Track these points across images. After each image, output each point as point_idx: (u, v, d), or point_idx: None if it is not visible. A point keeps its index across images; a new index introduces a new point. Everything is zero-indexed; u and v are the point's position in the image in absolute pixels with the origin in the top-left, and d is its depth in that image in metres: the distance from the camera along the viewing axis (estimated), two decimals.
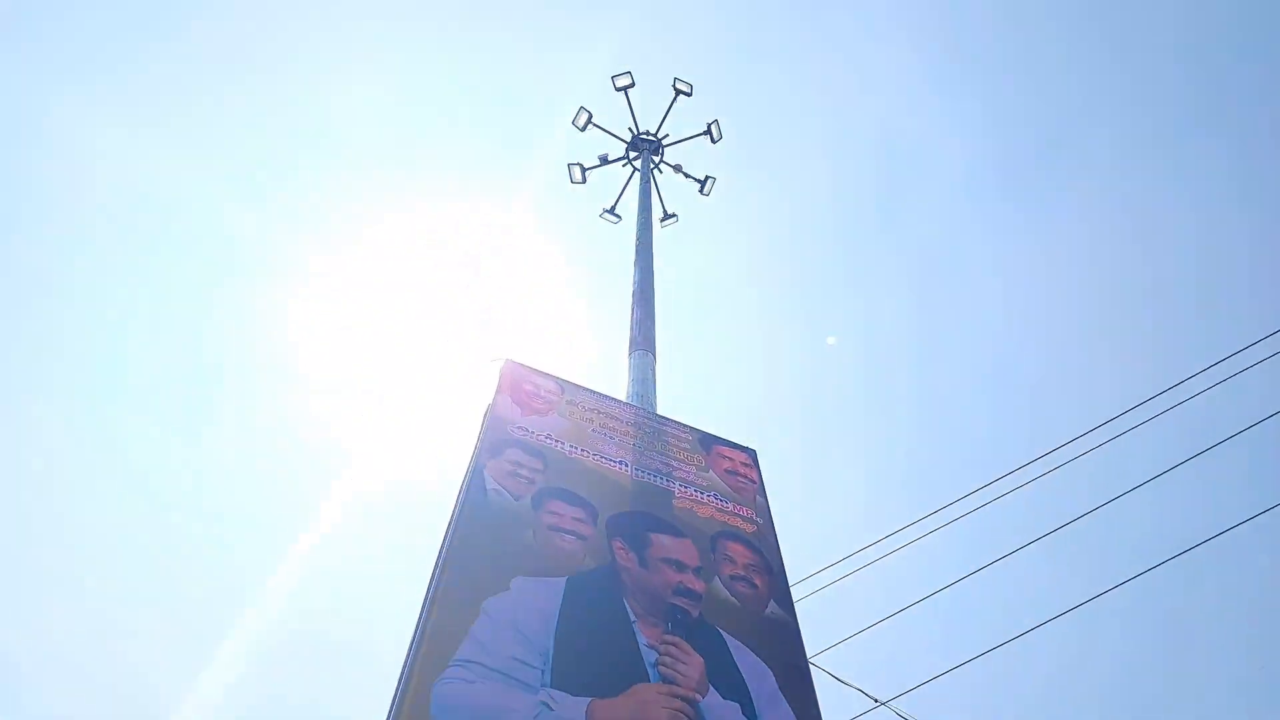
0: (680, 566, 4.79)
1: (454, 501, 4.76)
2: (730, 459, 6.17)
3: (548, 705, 3.58)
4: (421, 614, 3.94)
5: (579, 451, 5.41)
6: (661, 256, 10.38)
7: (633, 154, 12.55)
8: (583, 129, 12.22)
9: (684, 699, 3.89)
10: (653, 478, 5.51)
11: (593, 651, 3.99)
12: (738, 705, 3.99)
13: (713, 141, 12.91)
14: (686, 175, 13.14)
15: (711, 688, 4.03)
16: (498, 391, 5.58)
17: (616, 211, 12.90)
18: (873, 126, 26.84)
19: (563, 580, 4.31)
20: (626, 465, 5.51)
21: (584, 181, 12.48)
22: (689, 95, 12.54)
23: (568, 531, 4.72)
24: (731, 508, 5.59)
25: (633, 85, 12.09)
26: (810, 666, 4.65)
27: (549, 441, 5.35)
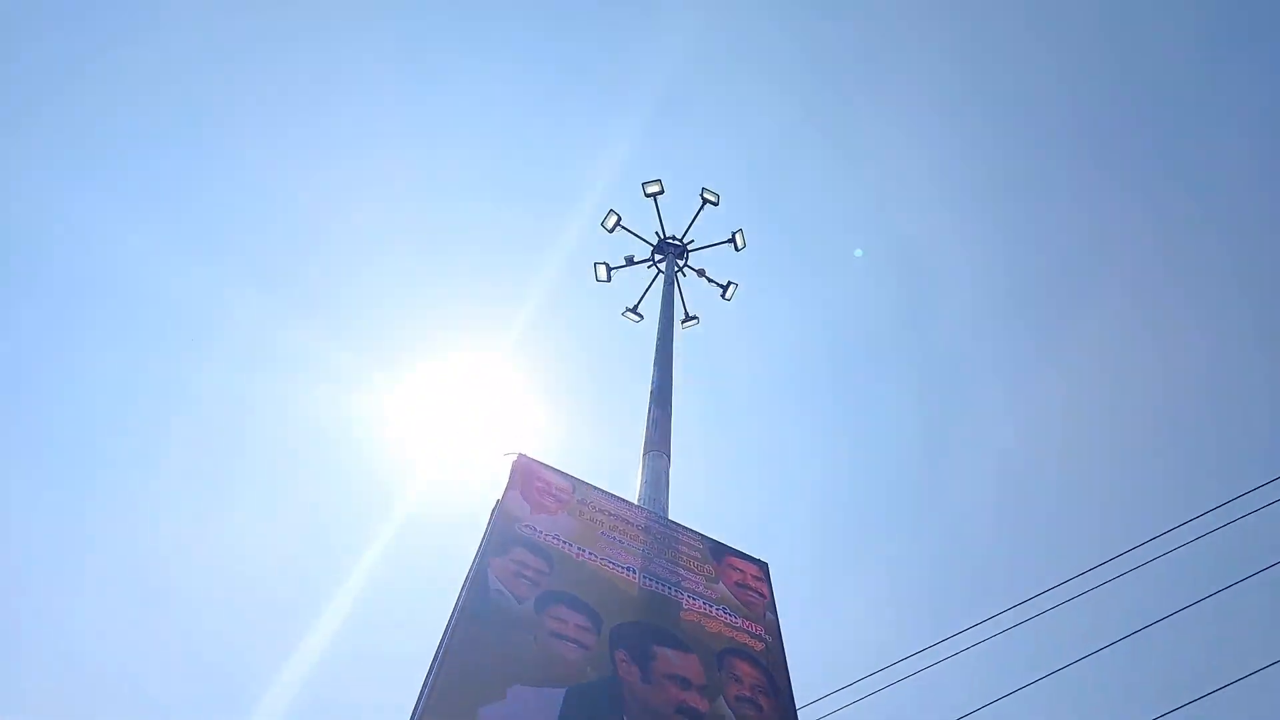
0: (684, 683, 4.64)
1: (454, 599, 4.67)
2: (741, 571, 6.05)
3: None
4: (413, 716, 3.81)
5: (587, 555, 5.32)
6: (681, 358, 10.47)
7: (658, 256, 12.79)
8: (611, 230, 12.52)
9: None
10: (661, 587, 5.39)
11: None
12: None
13: (736, 250, 13.16)
14: (710, 280, 13.34)
15: None
16: (508, 487, 5.54)
17: (639, 311, 13.07)
18: (894, 243, 27.31)
19: (562, 691, 4.17)
20: (635, 572, 5.40)
21: (609, 280, 12.70)
22: (715, 205, 12.86)
23: (570, 639, 4.60)
24: (741, 623, 5.44)
25: (662, 193, 12.43)
26: None
27: (556, 542, 5.27)
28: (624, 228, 12.55)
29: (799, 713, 5.10)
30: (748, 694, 4.82)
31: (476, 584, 4.67)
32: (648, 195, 12.28)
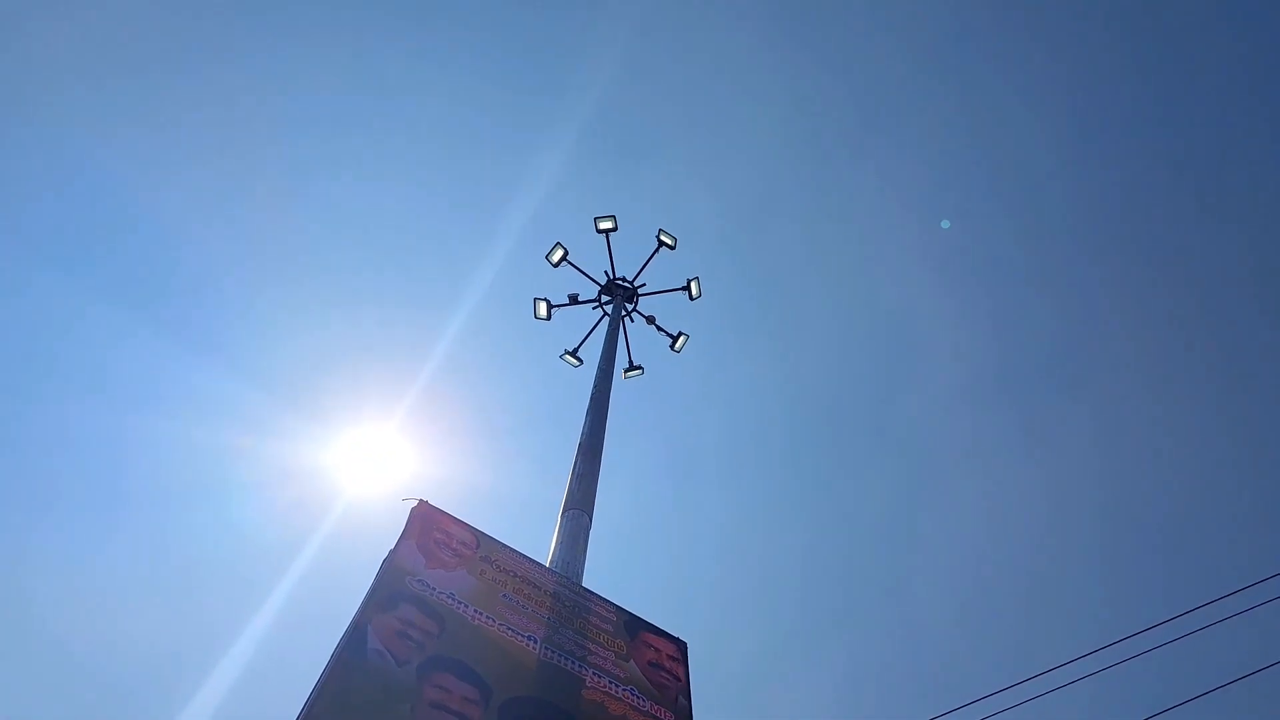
0: None
1: (326, 659, 4.33)
2: (657, 649, 5.79)
3: None
4: None
5: (484, 618, 5.02)
6: (620, 411, 10.25)
7: (605, 298, 12.64)
8: (556, 265, 12.35)
9: None
10: (563, 660, 5.11)
11: None
12: None
13: (690, 299, 13.09)
14: (659, 328, 13.23)
15: None
16: (403, 536, 5.23)
17: (579, 355, 12.87)
18: (874, 312, 27.51)
19: None
20: (536, 642, 5.11)
21: (549, 318, 12.49)
22: (672, 248, 12.80)
23: (453, 712, 4.30)
24: (649, 707, 5.17)
25: (615, 229, 12.33)
26: None
27: (451, 602, 4.97)
28: (570, 263, 12.40)
29: None
30: None
31: (353, 643, 4.34)
32: (600, 231, 12.17)
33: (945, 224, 25.42)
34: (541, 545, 7.00)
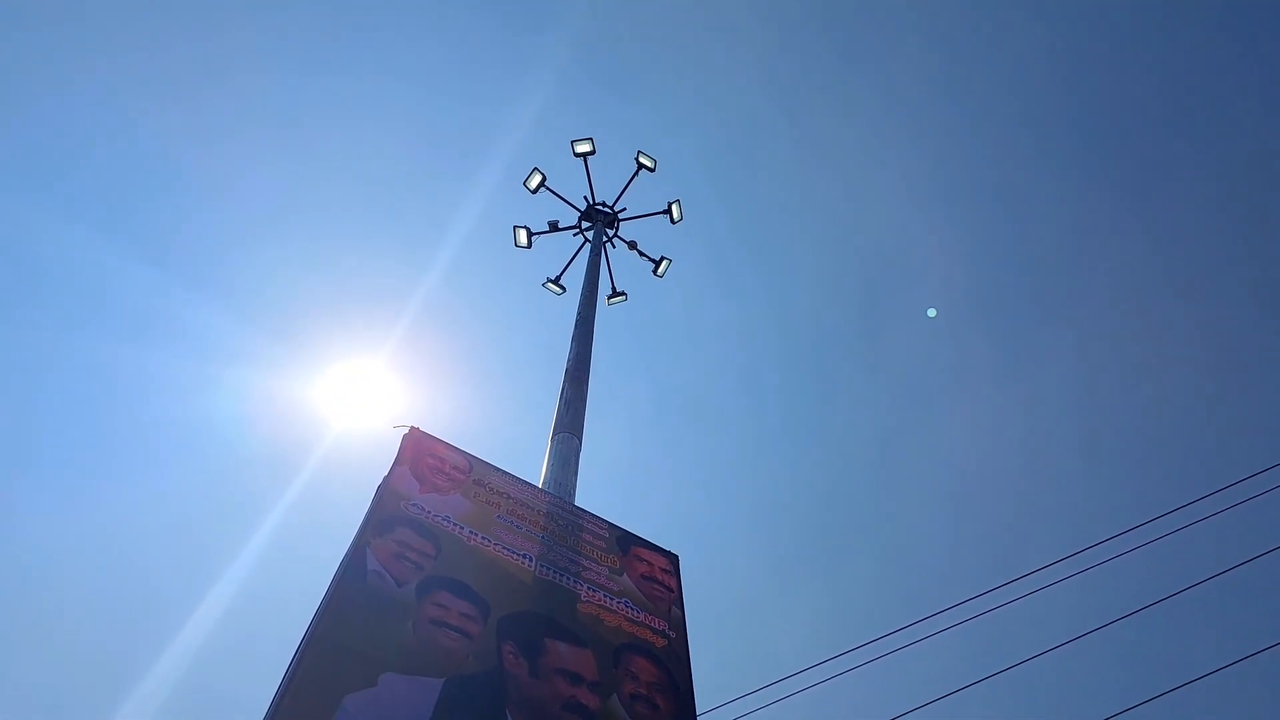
0: (575, 679, 4.70)
1: (328, 581, 4.64)
2: (649, 563, 6.14)
3: None
4: (273, 702, 3.79)
5: (479, 539, 5.34)
6: (605, 338, 10.52)
7: (585, 224, 12.79)
8: (534, 191, 12.45)
9: None
10: (558, 576, 5.44)
11: None
12: None
13: (672, 222, 13.24)
14: (641, 254, 13.40)
15: None
16: (396, 463, 5.51)
17: (561, 283, 13.06)
18: (861, 241, 27.72)
19: (439, 682, 4.19)
20: (531, 560, 5.44)
21: (529, 246, 12.65)
22: (652, 171, 12.90)
23: (453, 627, 4.62)
24: (643, 618, 5.52)
25: (593, 152, 12.41)
26: None
27: (446, 524, 5.27)
28: (549, 189, 12.51)
29: (701, 714, 5.21)
30: (644, 692, 4.90)
31: (353, 565, 4.64)
32: (577, 155, 12.25)
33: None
34: (532, 472, 7.31)
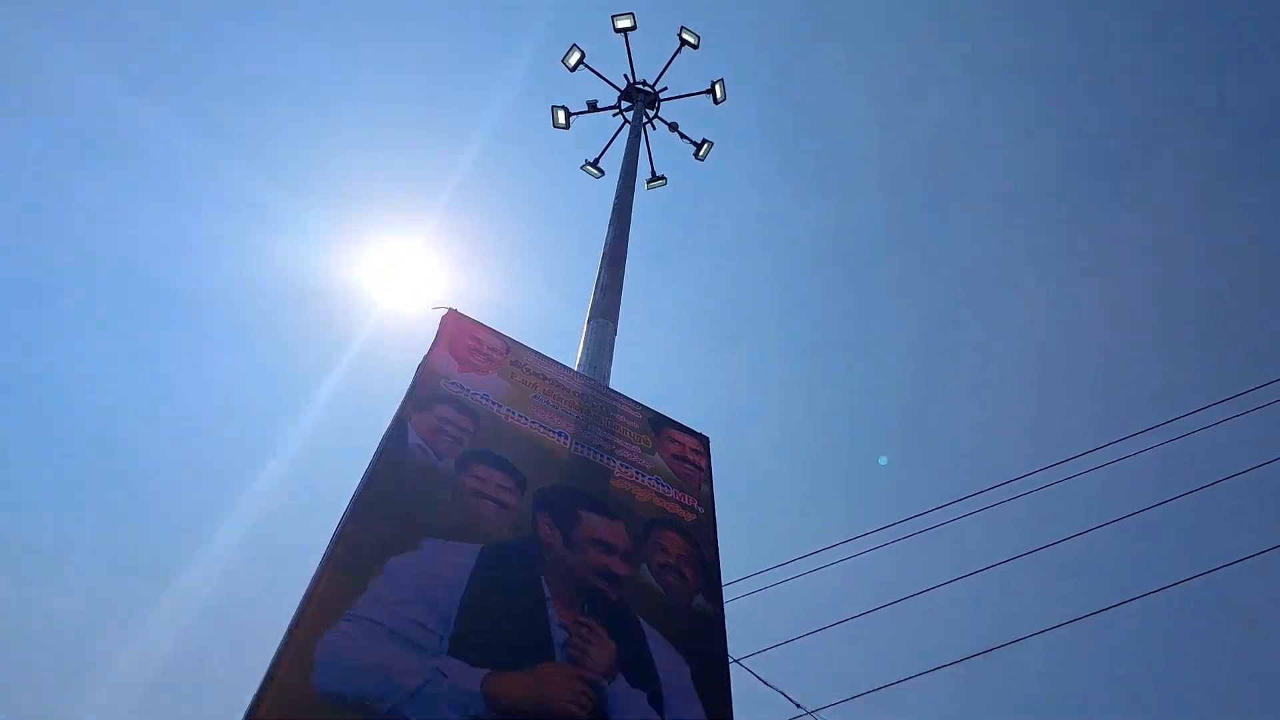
0: (608, 548, 5.03)
1: (372, 452, 4.96)
2: (680, 443, 6.41)
3: (441, 672, 3.80)
4: (321, 563, 4.14)
5: (515, 416, 5.62)
6: (645, 223, 10.61)
7: (625, 104, 12.71)
8: (573, 69, 12.36)
9: (588, 682, 4.13)
10: (592, 453, 5.74)
11: (499, 624, 4.21)
12: (645, 694, 4.24)
13: (715, 102, 13.09)
14: (683, 135, 13.32)
15: (620, 674, 4.27)
16: (435, 344, 5.77)
17: (600, 166, 13.08)
18: (921, 128, 27.02)
19: (477, 547, 4.53)
20: (566, 437, 5.73)
21: (568, 127, 12.63)
22: (695, 48, 12.70)
23: (490, 498, 4.93)
24: (673, 494, 5.83)
25: (634, 28, 12.23)
26: (733, 665, 4.91)
27: (485, 402, 5.56)
28: (587, 66, 12.40)
29: (726, 584, 5.56)
30: (672, 563, 5.23)
31: (395, 438, 4.95)
32: (618, 30, 12.08)
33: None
34: (568, 356, 7.57)
